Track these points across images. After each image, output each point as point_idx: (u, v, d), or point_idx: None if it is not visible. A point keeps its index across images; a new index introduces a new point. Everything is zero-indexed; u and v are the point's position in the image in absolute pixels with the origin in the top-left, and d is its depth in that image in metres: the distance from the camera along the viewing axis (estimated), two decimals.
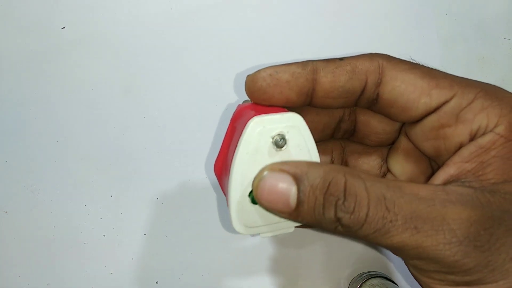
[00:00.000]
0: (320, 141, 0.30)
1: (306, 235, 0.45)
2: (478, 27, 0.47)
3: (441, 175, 0.22)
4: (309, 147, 0.23)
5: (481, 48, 0.48)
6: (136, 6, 0.44)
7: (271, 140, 0.22)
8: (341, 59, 0.24)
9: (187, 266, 0.44)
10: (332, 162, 0.30)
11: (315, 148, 0.23)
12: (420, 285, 0.23)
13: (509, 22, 0.48)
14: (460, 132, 0.22)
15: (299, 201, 0.21)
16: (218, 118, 0.44)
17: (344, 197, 0.20)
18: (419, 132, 0.25)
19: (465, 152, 0.22)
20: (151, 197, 0.43)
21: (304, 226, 0.24)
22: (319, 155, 0.24)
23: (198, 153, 0.44)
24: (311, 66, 0.24)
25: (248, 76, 0.24)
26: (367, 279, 0.43)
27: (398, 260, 0.45)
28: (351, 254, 0.46)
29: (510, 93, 0.23)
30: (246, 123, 0.22)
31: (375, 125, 0.28)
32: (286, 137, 0.22)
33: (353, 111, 0.28)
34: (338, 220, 0.20)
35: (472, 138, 0.22)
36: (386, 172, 0.29)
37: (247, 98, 0.25)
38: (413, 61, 0.24)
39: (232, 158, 0.22)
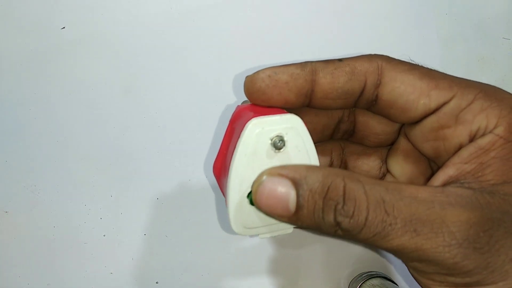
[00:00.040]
0: (320, 142, 0.30)
1: (306, 236, 0.45)
2: (478, 27, 0.47)
3: (441, 176, 0.22)
4: (308, 149, 0.23)
5: (481, 48, 0.47)
6: (136, 6, 0.44)
7: (269, 141, 0.22)
8: (340, 60, 0.24)
9: (187, 266, 0.44)
10: (331, 162, 0.30)
11: (314, 150, 0.23)
12: (421, 286, 0.23)
13: (509, 22, 0.48)
14: (459, 133, 0.22)
15: (299, 206, 0.21)
16: (217, 118, 0.44)
17: (343, 201, 0.20)
18: (418, 133, 0.25)
19: (465, 153, 0.22)
20: (151, 197, 0.43)
21: (303, 228, 0.24)
22: (319, 156, 0.24)
23: (198, 153, 0.44)
24: (310, 67, 0.24)
25: (247, 77, 0.24)
26: (367, 279, 0.43)
27: (398, 260, 0.45)
28: (351, 254, 0.46)
29: (509, 93, 0.23)
30: (245, 124, 0.22)
31: (374, 126, 0.28)
32: (285, 139, 0.22)
33: (352, 112, 0.28)
34: (337, 224, 0.20)
35: (472, 139, 0.22)
36: (385, 172, 0.29)
37: (246, 99, 0.25)
38: (412, 62, 0.24)
39: (230, 160, 0.22)
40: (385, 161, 0.29)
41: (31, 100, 0.42)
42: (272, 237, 0.44)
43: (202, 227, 0.44)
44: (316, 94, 0.24)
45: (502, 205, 0.20)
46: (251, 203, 0.22)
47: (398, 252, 0.20)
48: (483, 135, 0.22)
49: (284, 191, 0.21)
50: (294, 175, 0.21)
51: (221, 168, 0.26)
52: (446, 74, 0.24)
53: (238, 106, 0.26)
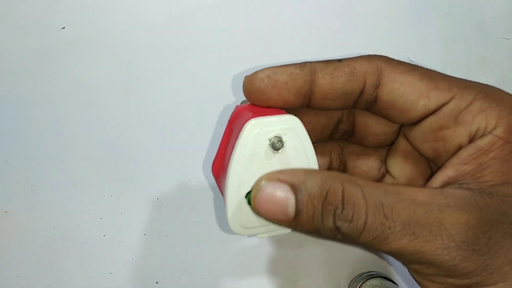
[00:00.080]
0: (319, 142, 0.30)
1: (306, 236, 0.44)
2: (478, 27, 0.47)
3: (440, 177, 0.22)
4: (307, 149, 0.23)
5: (481, 48, 0.47)
6: (136, 6, 0.44)
7: (268, 142, 0.22)
8: (339, 60, 0.24)
9: (187, 266, 0.44)
10: (330, 163, 0.30)
11: (312, 150, 0.23)
12: (421, 287, 0.23)
13: (509, 22, 0.48)
14: (459, 134, 0.22)
15: (298, 211, 0.21)
16: (217, 118, 0.44)
17: (342, 205, 0.20)
18: (418, 133, 0.25)
19: (464, 154, 0.22)
20: (151, 197, 0.43)
21: (303, 232, 0.24)
22: (318, 157, 0.24)
23: (198, 153, 0.44)
24: (309, 67, 0.24)
25: (246, 77, 0.24)
26: (367, 279, 0.43)
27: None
28: (351, 254, 0.46)
29: (509, 94, 0.23)
30: (243, 124, 0.22)
31: (373, 126, 0.28)
32: (283, 140, 0.22)
33: (351, 112, 0.28)
34: (337, 228, 0.20)
35: (471, 140, 0.22)
36: (384, 173, 0.29)
37: (245, 99, 0.25)
38: (412, 63, 0.24)
39: (229, 160, 0.22)
40: (384, 161, 0.29)
41: (31, 100, 0.42)
42: (271, 237, 0.44)
43: (202, 227, 0.44)
44: (315, 95, 0.24)
45: (501, 206, 0.20)
46: (249, 203, 0.23)
47: (397, 255, 0.20)
48: (483, 136, 0.22)
49: (283, 196, 0.21)
50: (293, 180, 0.21)
51: (219, 168, 0.26)
52: (445, 74, 0.24)
53: (237, 106, 0.26)
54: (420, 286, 0.23)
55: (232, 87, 0.44)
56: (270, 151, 0.22)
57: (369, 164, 0.30)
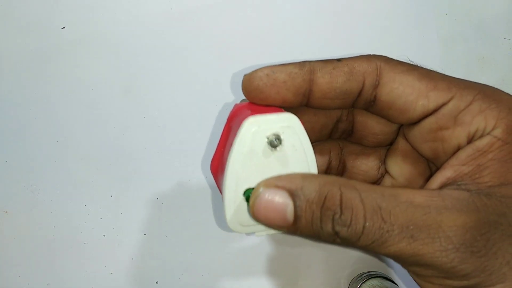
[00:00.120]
0: (318, 141, 0.30)
1: None
2: (478, 27, 0.47)
3: (438, 178, 0.22)
4: (305, 148, 0.23)
5: (481, 48, 0.47)
6: (136, 6, 0.44)
7: (266, 140, 0.22)
8: (338, 60, 0.24)
9: (187, 266, 0.44)
10: (330, 162, 0.30)
11: (311, 149, 0.23)
12: None
13: (509, 22, 0.47)
14: (458, 135, 0.22)
15: (296, 216, 0.21)
16: (215, 117, 0.44)
17: (341, 210, 0.20)
18: (417, 134, 0.25)
19: (463, 154, 0.22)
20: (151, 197, 0.43)
21: (302, 236, 0.24)
22: (317, 156, 0.24)
23: (198, 153, 0.44)
24: (308, 66, 0.24)
25: (245, 75, 0.24)
26: (367, 279, 0.43)
27: None
28: (351, 254, 0.46)
29: (508, 95, 0.22)
30: (242, 122, 0.22)
31: (373, 126, 0.28)
32: (281, 137, 0.22)
33: (351, 111, 0.28)
34: (336, 233, 0.20)
35: (470, 140, 0.22)
36: (384, 173, 0.29)
37: (244, 97, 0.25)
38: (411, 63, 0.24)
39: (227, 158, 0.22)
40: (383, 161, 0.29)
41: (31, 100, 0.43)
42: (270, 237, 0.44)
43: (202, 227, 0.44)
44: (314, 94, 0.24)
45: (499, 207, 0.20)
46: (247, 201, 0.23)
47: (396, 258, 0.20)
48: (481, 136, 0.21)
49: (281, 203, 0.21)
50: (291, 185, 0.21)
51: (218, 165, 0.26)
52: (445, 75, 0.23)
53: (236, 104, 0.26)
54: (420, 287, 0.23)
55: (232, 87, 0.44)
56: (268, 149, 0.22)
57: (368, 164, 0.30)
